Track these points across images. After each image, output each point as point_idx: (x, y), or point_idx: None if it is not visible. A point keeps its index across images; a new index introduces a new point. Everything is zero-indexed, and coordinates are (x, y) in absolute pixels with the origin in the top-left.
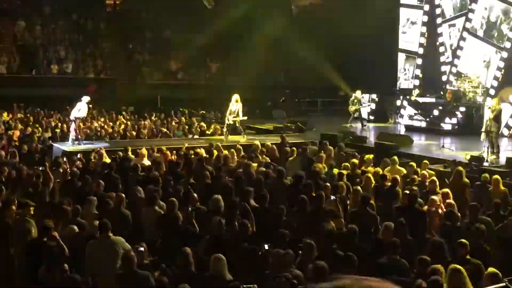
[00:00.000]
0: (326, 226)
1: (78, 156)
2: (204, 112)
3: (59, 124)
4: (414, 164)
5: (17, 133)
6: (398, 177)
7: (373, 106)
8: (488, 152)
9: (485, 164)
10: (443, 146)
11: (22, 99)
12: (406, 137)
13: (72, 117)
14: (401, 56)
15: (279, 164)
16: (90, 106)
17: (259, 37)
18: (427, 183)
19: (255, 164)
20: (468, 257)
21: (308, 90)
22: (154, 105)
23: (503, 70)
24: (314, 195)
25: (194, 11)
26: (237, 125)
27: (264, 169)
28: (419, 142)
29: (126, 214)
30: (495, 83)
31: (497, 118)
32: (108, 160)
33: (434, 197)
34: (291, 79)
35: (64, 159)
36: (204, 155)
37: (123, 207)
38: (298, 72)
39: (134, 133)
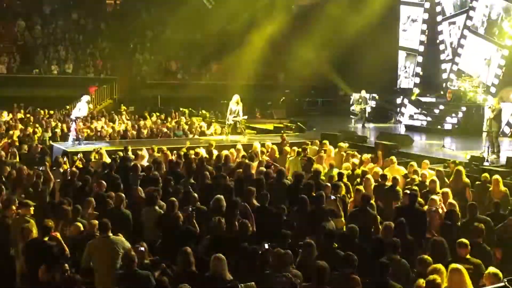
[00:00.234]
0: (327, 226)
1: (78, 156)
2: (204, 112)
3: (59, 124)
4: (414, 163)
5: (17, 133)
6: (398, 177)
7: (373, 104)
8: (488, 152)
9: (485, 163)
10: (443, 146)
11: (22, 99)
12: (407, 137)
13: (72, 117)
14: (402, 54)
15: (279, 164)
16: (91, 106)
17: (259, 36)
18: (427, 183)
19: (255, 164)
20: (468, 256)
21: (308, 90)
22: (154, 105)
23: (504, 68)
24: (314, 195)
25: (194, 11)
26: (238, 125)
27: (264, 169)
28: (419, 142)
29: (127, 214)
30: (496, 81)
31: (497, 117)
32: (108, 160)
33: (434, 196)
34: (291, 78)
35: (64, 159)
36: (204, 155)
37: (123, 207)
38: (298, 71)
39: (134, 133)
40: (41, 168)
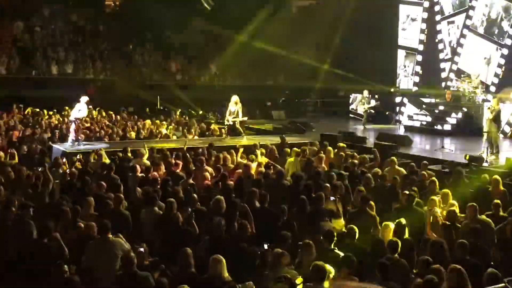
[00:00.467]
0: (325, 226)
1: (78, 157)
2: (203, 112)
3: (59, 125)
4: (414, 164)
5: (17, 133)
6: (397, 177)
7: (374, 104)
8: (487, 152)
9: (485, 164)
10: (442, 147)
11: (22, 100)
12: (406, 138)
13: (72, 118)
14: (401, 53)
15: (278, 164)
16: (90, 106)
17: (258, 37)
18: (426, 184)
19: (254, 165)
20: (467, 257)
21: (307, 91)
22: (154, 106)
23: (503, 67)
24: (314, 195)
25: (193, 12)
26: (237, 125)
27: (263, 169)
28: (418, 143)
29: (126, 214)
30: (496, 80)
31: (496, 118)
32: (107, 161)
33: (433, 197)
34: (290, 79)
35: (64, 160)
36: (204, 156)
37: (122, 207)
38: (297, 72)
39: (133, 133)
40: (40, 169)
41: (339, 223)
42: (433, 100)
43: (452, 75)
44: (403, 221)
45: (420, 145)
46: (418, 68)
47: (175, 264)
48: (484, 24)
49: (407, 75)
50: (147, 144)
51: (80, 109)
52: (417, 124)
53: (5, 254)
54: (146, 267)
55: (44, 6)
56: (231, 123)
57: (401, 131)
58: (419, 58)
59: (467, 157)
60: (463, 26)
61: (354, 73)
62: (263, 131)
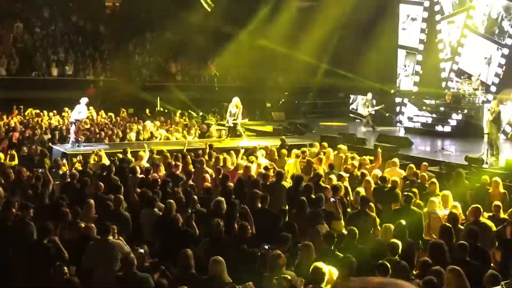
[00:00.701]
0: (321, 229)
1: (78, 158)
2: (203, 113)
3: (59, 126)
4: (413, 166)
5: (17, 135)
6: (397, 179)
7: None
8: (487, 154)
9: (485, 166)
10: (442, 148)
11: (22, 101)
12: (406, 139)
13: (72, 119)
14: (401, 53)
15: (278, 166)
16: (91, 108)
17: (259, 38)
18: (426, 185)
19: (254, 166)
20: (467, 258)
21: (307, 92)
22: (154, 107)
23: (504, 67)
24: (314, 197)
25: (193, 13)
26: (237, 127)
27: (263, 171)
28: (418, 144)
29: (126, 216)
30: (496, 80)
31: (496, 120)
32: (107, 162)
33: (433, 198)
34: (290, 80)
35: (64, 161)
36: (204, 157)
37: (122, 209)
38: (298, 73)
39: (133, 135)
40: (40, 170)
41: (339, 225)
42: (433, 101)
43: (452, 75)
44: (403, 222)
45: (420, 147)
46: (418, 68)
47: (175, 265)
48: (484, 24)
49: (407, 74)
50: (147, 145)
51: (80, 111)
52: (417, 125)
53: (5, 255)
54: (146, 268)
55: (44, 7)
56: (232, 124)
57: (401, 133)
58: (419, 57)
59: (468, 159)
60: (463, 26)
61: (354, 74)
62: (263, 132)
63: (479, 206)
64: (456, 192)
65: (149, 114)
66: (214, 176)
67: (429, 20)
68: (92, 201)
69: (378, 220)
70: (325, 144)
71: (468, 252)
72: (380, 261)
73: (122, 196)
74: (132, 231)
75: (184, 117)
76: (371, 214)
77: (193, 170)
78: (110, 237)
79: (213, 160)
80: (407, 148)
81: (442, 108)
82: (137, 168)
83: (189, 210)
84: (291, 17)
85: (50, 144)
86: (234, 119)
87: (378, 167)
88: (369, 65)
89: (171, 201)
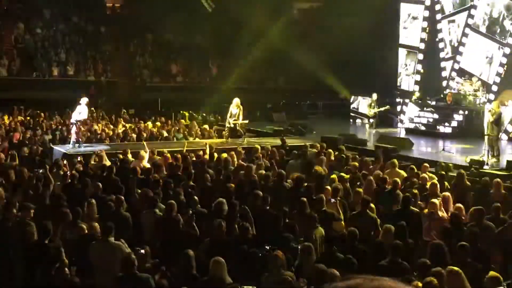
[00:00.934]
0: (315, 233)
1: (79, 158)
2: (204, 114)
3: (60, 127)
4: (415, 167)
5: (17, 135)
6: (398, 180)
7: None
8: (488, 155)
9: (486, 167)
10: (443, 149)
11: (23, 102)
12: (407, 140)
13: (73, 120)
14: (402, 52)
15: (279, 167)
16: (92, 109)
17: (259, 39)
18: (427, 186)
19: (255, 167)
20: (468, 260)
21: (308, 93)
22: (155, 108)
23: (505, 66)
24: (315, 198)
25: (194, 14)
26: (238, 128)
27: (264, 172)
28: (419, 145)
29: (126, 216)
30: (498, 80)
31: (497, 121)
32: (108, 163)
33: (434, 200)
34: (291, 81)
35: (65, 161)
36: (205, 157)
37: (122, 209)
38: (298, 74)
39: (134, 135)
40: (41, 171)
41: (340, 226)
42: (434, 102)
43: (454, 74)
44: (404, 223)
45: (421, 148)
46: (419, 67)
47: (175, 266)
48: (486, 23)
49: (408, 73)
50: (147, 146)
51: (81, 112)
52: (418, 126)
53: (5, 255)
54: (147, 269)
55: (45, 8)
56: (232, 125)
57: (402, 134)
58: (420, 56)
59: (468, 160)
60: (465, 25)
61: (355, 74)
62: (264, 133)
63: (481, 207)
64: (457, 193)
65: (150, 115)
66: (214, 177)
67: (430, 19)
68: (93, 201)
69: (378, 221)
70: (324, 144)
71: (469, 253)
72: (380, 262)
73: (122, 197)
74: (133, 231)
75: (185, 118)
76: (372, 215)
77: (193, 171)
78: (112, 238)
79: (214, 160)
80: (408, 149)
81: (442, 109)
82: (138, 168)
83: (190, 211)
84: (292, 18)
85: (51, 144)
86: (234, 120)
87: (380, 169)
88: (370, 66)
89: (172, 201)
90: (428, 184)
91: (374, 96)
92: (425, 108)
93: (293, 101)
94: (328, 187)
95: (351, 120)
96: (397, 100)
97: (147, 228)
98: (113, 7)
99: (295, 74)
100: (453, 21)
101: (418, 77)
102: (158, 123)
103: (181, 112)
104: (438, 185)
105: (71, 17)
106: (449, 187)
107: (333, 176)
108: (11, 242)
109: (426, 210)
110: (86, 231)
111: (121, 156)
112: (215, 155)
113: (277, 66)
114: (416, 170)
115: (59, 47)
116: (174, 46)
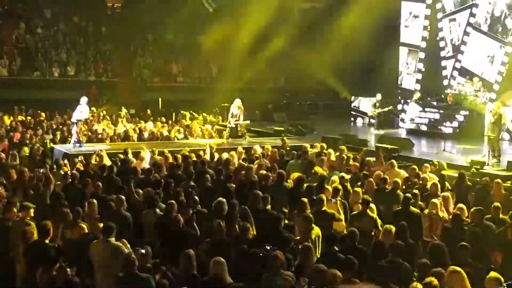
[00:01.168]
0: (310, 234)
1: (79, 158)
2: (205, 114)
3: (60, 127)
4: (416, 167)
5: (18, 135)
6: (399, 180)
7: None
8: (489, 155)
9: (486, 167)
10: (444, 150)
11: (23, 102)
12: (407, 141)
13: (74, 119)
14: (403, 50)
15: (279, 167)
16: (93, 108)
17: (260, 40)
18: (428, 186)
19: (255, 167)
20: (469, 260)
21: (309, 93)
22: (155, 108)
23: (507, 65)
24: (315, 198)
25: (195, 14)
26: (238, 128)
27: (265, 172)
28: (420, 146)
29: (127, 216)
30: (500, 78)
31: (498, 122)
32: (108, 163)
33: (435, 200)
34: (292, 82)
35: (65, 161)
36: (205, 157)
37: (123, 209)
38: (299, 74)
39: (135, 135)
40: (41, 170)
41: (340, 226)
42: (435, 103)
43: (455, 73)
44: (404, 223)
45: (421, 148)
46: (420, 66)
47: (176, 266)
48: (487, 22)
49: (409, 72)
50: (147, 146)
51: (82, 111)
52: (419, 127)
53: (6, 255)
54: (147, 269)
55: (46, 8)
56: (233, 125)
57: (403, 134)
58: (422, 55)
59: (469, 160)
60: (466, 23)
61: (356, 74)
62: (264, 133)
63: (481, 208)
64: (458, 194)
65: (150, 115)
66: (215, 177)
67: (431, 17)
68: (95, 201)
69: (379, 221)
70: (324, 144)
71: (470, 253)
72: (381, 263)
73: (123, 197)
74: (133, 231)
75: (185, 118)
76: (372, 215)
77: (194, 170)
78: (112, 238)
79: (214, 160)
80: (408, 150)
81: (443, 110)
82: (139, 168)
83: (190, 211)
84: (294, 18)
85: (51, 144)
86: (235, 120)
87: (380, 166)
88: (371, 66)
89: (172, 201)
90: (429, 184)
91: (379, 96)
92: (425, 108)
93: (294, 101)
94: (329, 187)
95: (352, 120)
96: (399, 98)
97: (148, 228)
98: (114, 7)
99: (295, 74)
100: (454, 19)
101: (419, 76)
102: (159, 123)
103: (182, 112)
104: (439, 185)
105: (72, 17)
106: (449, 187)
107: (334, 176)
108: (11, 242)
109: (426, 210)
110: (86, 231)
111: (121, 156)
112: (216, 155)
113: (277, 66)
114: (417, 171)
115: (60, 47)
116: (175, 46)
